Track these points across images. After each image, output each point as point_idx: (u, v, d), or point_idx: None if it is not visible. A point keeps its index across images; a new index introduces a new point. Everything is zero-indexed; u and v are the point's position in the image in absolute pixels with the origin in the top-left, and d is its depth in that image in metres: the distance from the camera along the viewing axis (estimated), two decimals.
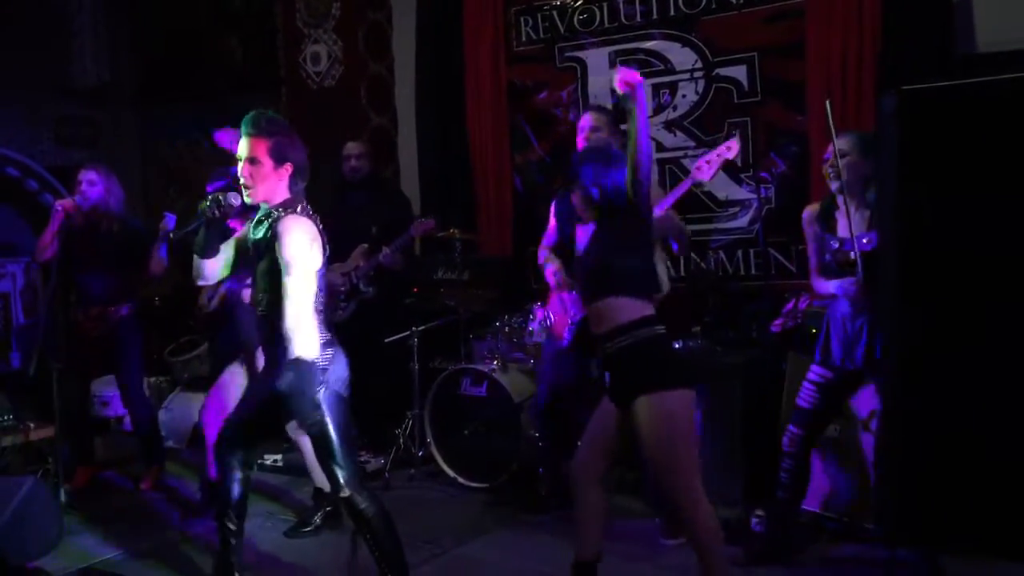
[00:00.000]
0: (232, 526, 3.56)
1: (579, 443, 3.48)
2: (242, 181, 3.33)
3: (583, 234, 3.57)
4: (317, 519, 4.47)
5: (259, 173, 3.30)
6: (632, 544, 4.16)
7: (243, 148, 3.33)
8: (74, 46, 7.62)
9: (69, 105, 7.79)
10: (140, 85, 8.24)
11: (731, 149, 4.05)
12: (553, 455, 4.65)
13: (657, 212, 3.88)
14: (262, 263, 3.34)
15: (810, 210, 3.86)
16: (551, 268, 4.38)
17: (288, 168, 3.33)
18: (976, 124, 1.43)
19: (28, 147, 7.49)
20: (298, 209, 3.31)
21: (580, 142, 4.36)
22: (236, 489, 3.54)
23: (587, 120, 4.41)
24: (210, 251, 3.46)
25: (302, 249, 3.22)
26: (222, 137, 4.64)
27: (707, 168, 4.03)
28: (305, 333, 3.16)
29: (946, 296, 1.38)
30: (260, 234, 3.35)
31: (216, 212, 3.42)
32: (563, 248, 4.40)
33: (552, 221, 4.59)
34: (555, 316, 4.49)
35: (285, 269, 3.19)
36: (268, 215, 3.35)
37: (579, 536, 3.42)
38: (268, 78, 7.29)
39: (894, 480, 1.44)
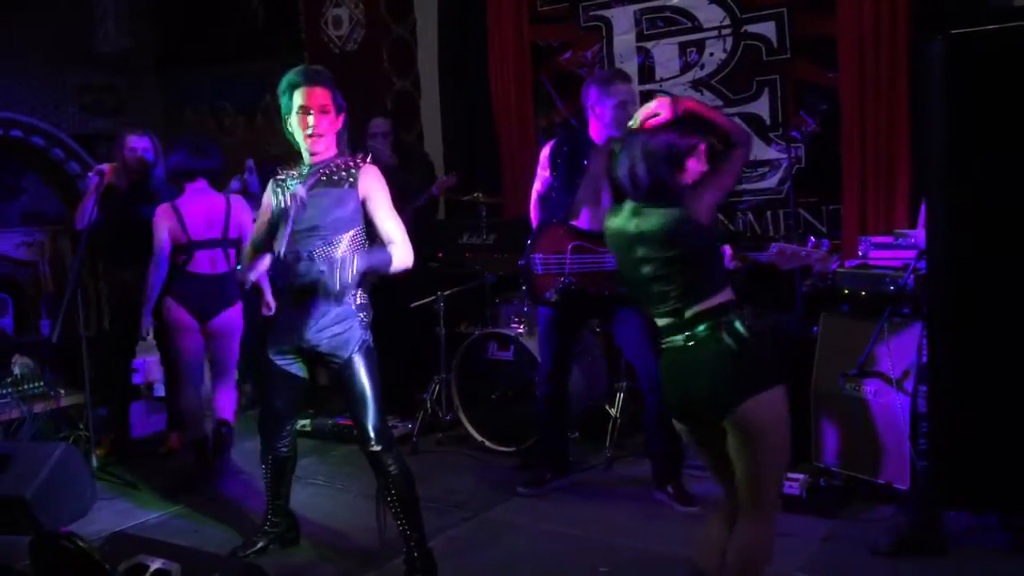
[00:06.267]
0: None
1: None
2: (310, 131, 3.36)
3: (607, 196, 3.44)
4: None
5: (327, 122, 3.39)
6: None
7: (309, 97, 3.36)
8: (96, 12, 7.60)
9: (92, 72, 7.78)
10: (162, 51, 8.21)
11: (824, 262, 3.31)
12: (556, 424, 4.54)
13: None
14: (320, 211, 3.36)
15: None
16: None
17: (343, 118, 3.45)
18: None
19: (53, 115, 7.51)
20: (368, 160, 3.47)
21: (614, 115, 4.12)
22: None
23: (627, 93, 4.20)
24: (272, 245, 3.43)
25: (387, 192, 3.43)
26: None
27: (783, 261, 3.33)
28: (407, 252, 3.37)
29: (999, 247, 1.32)
30: (310, 184, 3.37)
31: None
32: (562, 197, 4.28)
33: (545, 170, 4.41)
34: (543, 270, 4.29)
35: (383, 214, 3.38)
36: (320, 171, 3.39)
37: None
38: (290, 42, 7.23)
39: (941, 442, 1.39)
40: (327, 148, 3.42)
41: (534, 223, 4.51)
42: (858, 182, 5.07)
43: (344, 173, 3.39)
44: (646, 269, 2.72)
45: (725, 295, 2.70)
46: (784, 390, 2.71)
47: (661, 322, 2.78)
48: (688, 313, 2.69)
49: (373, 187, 3.40)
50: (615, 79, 4.24)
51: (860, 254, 4.41)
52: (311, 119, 3.35)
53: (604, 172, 4.13)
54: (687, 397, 2.73)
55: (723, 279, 2.73)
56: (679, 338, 2.71)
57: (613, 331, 4.46)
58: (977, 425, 1.24)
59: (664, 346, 2.79)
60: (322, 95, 3.37)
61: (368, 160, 3.46)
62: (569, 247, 4.22)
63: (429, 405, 5.40)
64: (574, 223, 4.26)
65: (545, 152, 4.44)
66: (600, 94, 4.17)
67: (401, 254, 3.37)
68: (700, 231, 2.65)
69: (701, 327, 2.67)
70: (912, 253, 3.92)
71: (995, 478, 1.25)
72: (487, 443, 5.10)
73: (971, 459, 1.25)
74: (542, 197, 4.49)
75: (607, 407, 4.99)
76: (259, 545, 3.80)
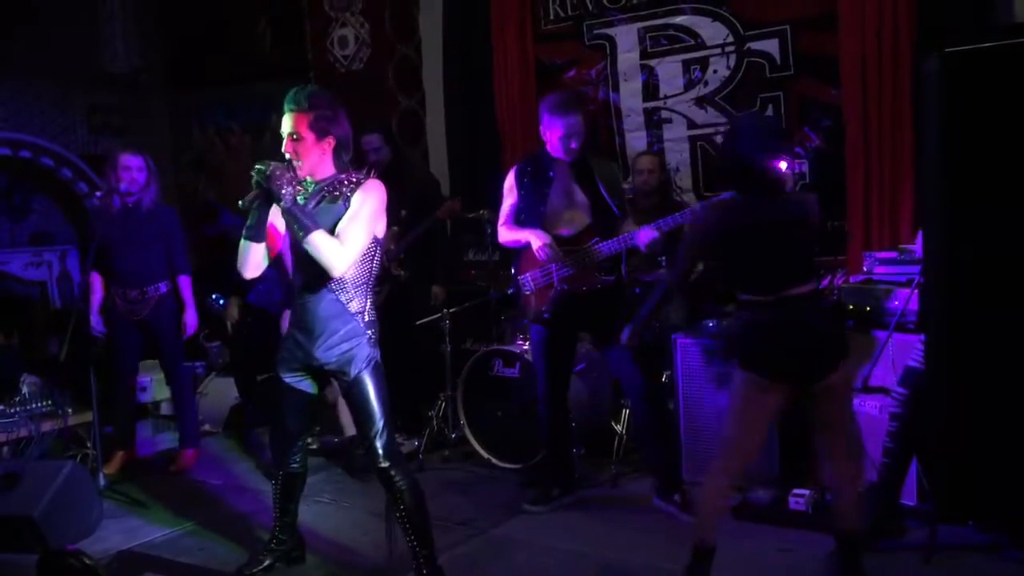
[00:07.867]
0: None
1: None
2: (287, 157, 3.36)
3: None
4: None
5: (302, 148, 3.35)
6: None
7: (285, 124, 3.36)
8: (104, 33, 7.67)
9: (100, 93, 7.85)
10: (169, 71, 8.28)
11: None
12: (560, 441, 4.54)
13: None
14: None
15: None
16: (542, 241, 4.18)
17: (330, 142, 3.38)
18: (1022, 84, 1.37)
19: (61, 136, 7.57)
20: (372, 175, 3.41)
21: (560, 144, 4.22)
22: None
23: (573, 125, 4.18)
24: (261, 232, 3.38)
25: (373, 208, 3.33)
26: None
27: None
28: (344, 256, 3.25)
29: (995, 262, 1.33)
30: (312, 206, 3.36)
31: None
32: (533, 222, 4.29)
33: (513, 196, 4.40)
34: (533, 287, 4.36)
35: (351, 216, 3.28)
36: (324, 189, 3.39)
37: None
38: (296, 63, 7.29)
39: (944, 458, 1.40)
40: (312, 173, 3.39)
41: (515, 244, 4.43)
42: (862, 198, 5.08)
43: (345, 190, 3.37)
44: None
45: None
46: None
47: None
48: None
49: (361, 198, 3.33)
50: (565, 109, 4.19)
51: (865, 270, 4.42)
52: (283, 145, 3.38)
53: (572, 178, 4.23)
54: (796, 353, 3.16)
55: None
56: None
57: (602, 349, 4.49)
58: (978, 440, 1.24)
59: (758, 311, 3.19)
60: (295, 121, 3.33)
61: (372, 175, 3.45)
62: None
63: (435, 422, 5.41)
64: (553, 232, 4.28)
65: (510, 178, 4.45)
66: (549, 121, 4.23)
67: (334, 248, 3.23)
68: None
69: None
70: (917, 268, 3.92)
71: (999, 493, 1.25)
72: (493, 460, 5.09)
73: (972, 474, 1.24)
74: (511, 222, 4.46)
75: (612, 424, 4.99)
76: (265, 563, 3.79)
